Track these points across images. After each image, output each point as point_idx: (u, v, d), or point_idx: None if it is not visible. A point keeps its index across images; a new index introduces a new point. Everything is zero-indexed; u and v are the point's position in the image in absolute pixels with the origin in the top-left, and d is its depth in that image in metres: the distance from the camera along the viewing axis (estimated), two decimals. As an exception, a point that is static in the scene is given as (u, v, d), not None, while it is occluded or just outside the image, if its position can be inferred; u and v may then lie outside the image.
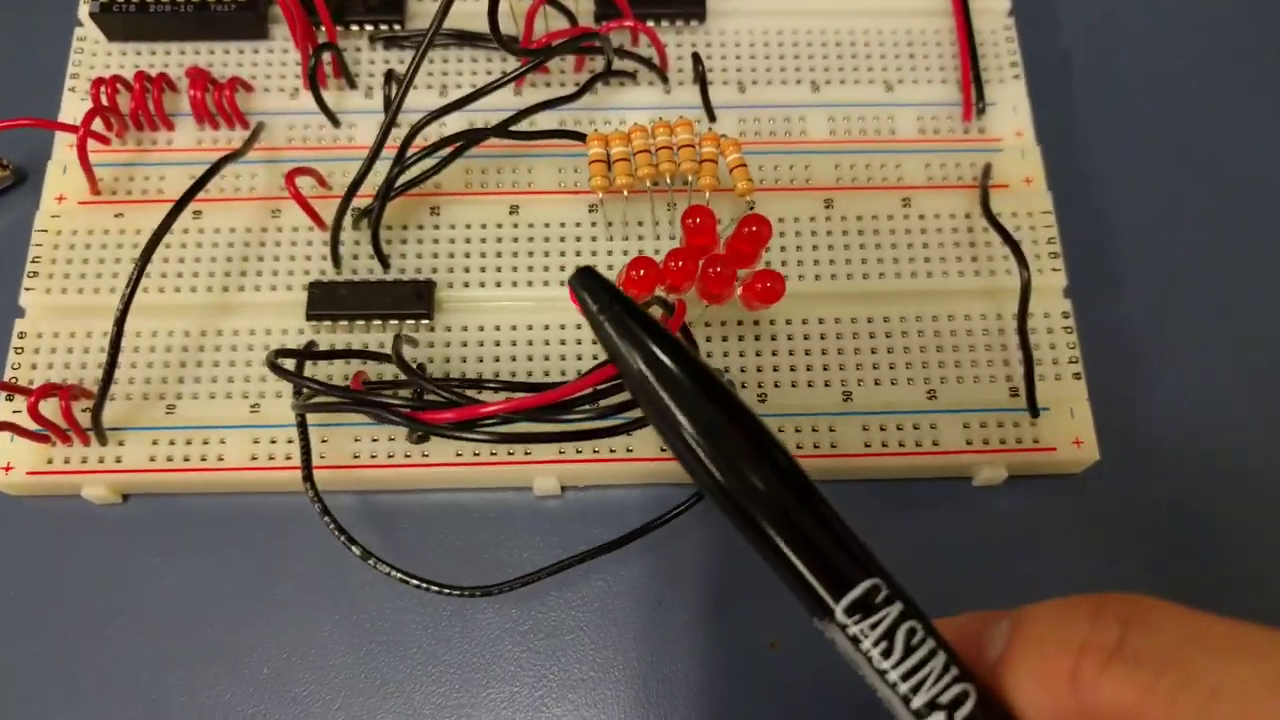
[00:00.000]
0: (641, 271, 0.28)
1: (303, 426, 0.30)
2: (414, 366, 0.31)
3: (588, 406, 0.25)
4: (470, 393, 0.29)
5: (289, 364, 0.30)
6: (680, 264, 0.28)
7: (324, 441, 0.31)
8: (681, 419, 0.19)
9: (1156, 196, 0.36)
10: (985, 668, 0.17)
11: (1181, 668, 0.15)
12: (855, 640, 0.17)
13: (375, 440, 0.31)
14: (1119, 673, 0.15)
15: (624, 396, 0.25)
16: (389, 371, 0.32)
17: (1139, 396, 0.33)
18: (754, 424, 0.19)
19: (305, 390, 0.29)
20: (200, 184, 0.31)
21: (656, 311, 0.27)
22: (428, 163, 0.32)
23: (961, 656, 0.17)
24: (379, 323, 0.32)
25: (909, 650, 0.17)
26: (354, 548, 0.28)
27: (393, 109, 0.30)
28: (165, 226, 0.30)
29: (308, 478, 0.29)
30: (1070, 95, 0.38)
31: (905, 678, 0.17)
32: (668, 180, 0.31)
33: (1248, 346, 0.34)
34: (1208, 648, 0.15)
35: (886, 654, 0.17)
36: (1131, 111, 0.38)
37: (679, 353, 0.20)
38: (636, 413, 0.26)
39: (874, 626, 0.17)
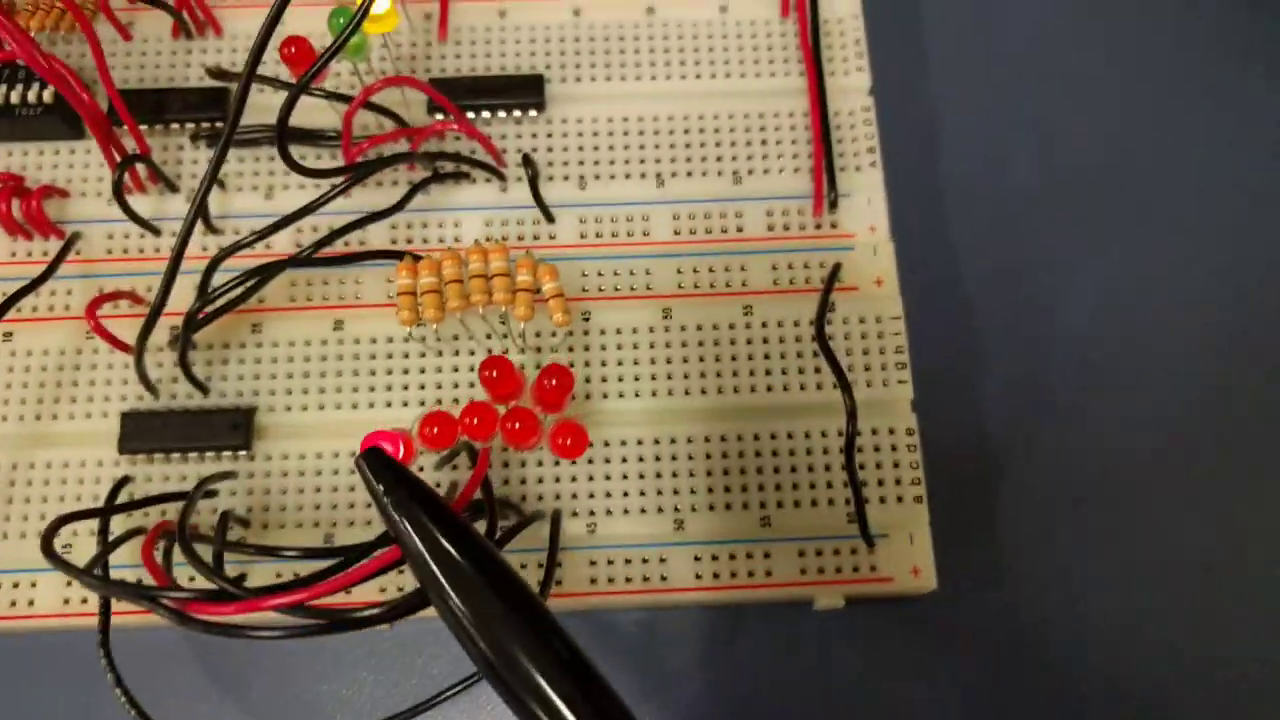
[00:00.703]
0: (436, 429, 0.27)
1: (104, 601, 0.29)
2: (214, 535, 0.29)
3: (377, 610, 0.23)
4: (269, 579, 0.28)
5: (64, 548, 0.29)
6: (477, 420, 0.27)
7: (133, 587, 0.30)
8: (463, 610, 0.20)
9: (1015, 295, 0.35)
10: None
11: None
12: None
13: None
14: None
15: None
16: (209, 505, 0.30)
17: (985, 517, 0.32)
18: (537, 612, 0.21)
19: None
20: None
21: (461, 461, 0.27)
22: (237, 285, 0.31)
23: None
24: (196, 455, 0.31)
25: None
26: (145, 722, 0.27)
27: (188, 218, 0.28)
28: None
29: (103, 644, 0.28)
30: (931, 184, 0.36)
31: None
32: (480, 312, 0.29)
33: (1102, 459, 0.33)
34: None
35: None
36: (988, 200, 0.36)
37: (465, 541, 0.21)
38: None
39: None
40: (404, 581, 0.30)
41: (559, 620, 0.21)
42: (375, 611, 0.24)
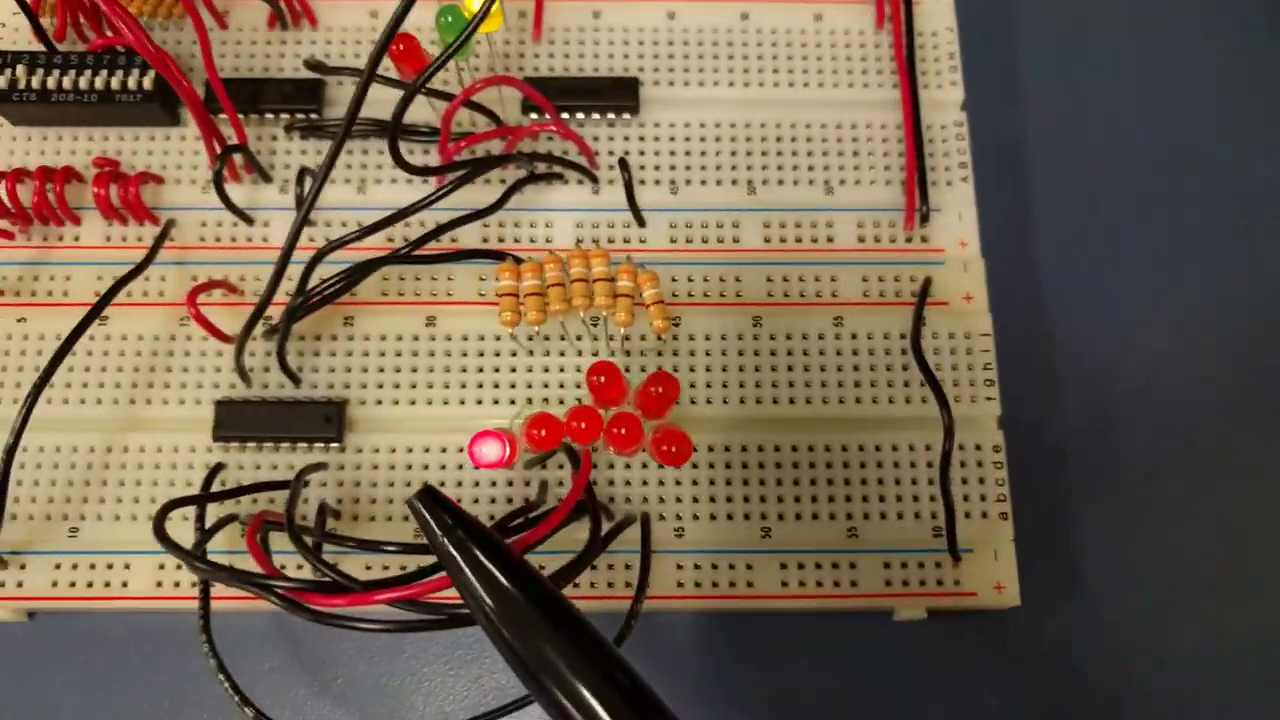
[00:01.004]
0: (543, 431, 0.27)
1: (203, 584, 0.29)
2: (313, 525, 0.30)
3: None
4: (358, 570, 0.28)
5: (187, 530, 0.29)
6: (584, 424, 0.27)
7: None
8: (522, 653, 0.20)
9: (1099, 315, 0.35)
10: None
11: None
12: None
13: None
14: None
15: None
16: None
17: (1067, 534, 0.33)
18: (595, 642, 0.20)
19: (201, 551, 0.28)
20: (99, 308, 0.30)
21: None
22: (340, 280, 0.31)
23: None
24: (288, 445, 0.32)
25: None
26: (247, 709, 0.28)
27: (299, 218, 0.28)
28: (64, 350, 0.29)
29: (205, 629, 0.29)
30: (1022, 201, 0.36)
31: None
32: (581, 315, 0.29)
33: (1193, 478, 0.33)
34: None
35: None
36: (1083, 218, 0.36)
37: (526, 582, 0.20)
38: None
39: None
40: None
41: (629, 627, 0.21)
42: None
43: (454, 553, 0.21)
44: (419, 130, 0.34)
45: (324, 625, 0.25)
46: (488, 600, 0.20)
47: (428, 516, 0.21)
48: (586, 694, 0.19)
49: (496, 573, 0.20)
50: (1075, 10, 0.39)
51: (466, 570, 0.20)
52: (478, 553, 0.20)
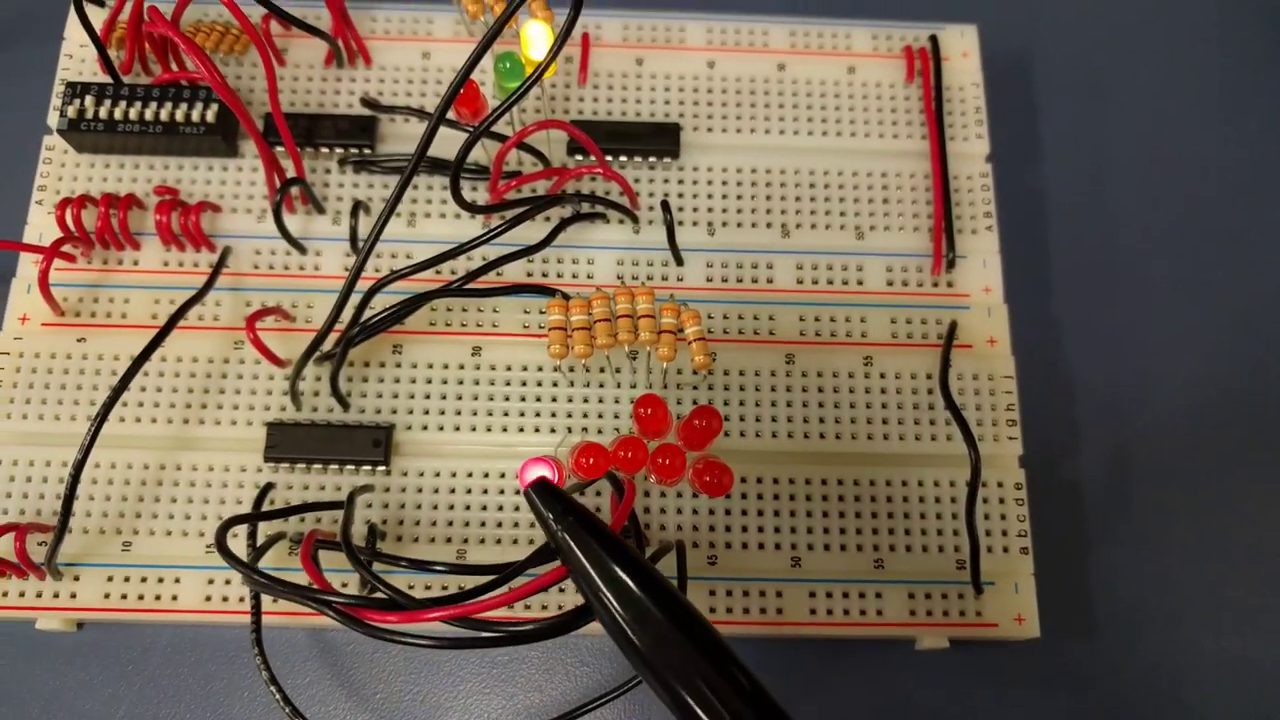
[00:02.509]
0: (591, 460, 0.28)
1: (256, 598, 0.30)
2: (365, 540, 0.31)
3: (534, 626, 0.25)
4: (414, 583, 0.29)
5: (241, 541, 0.30)
6: (630, 454, 0.28)
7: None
8: (637, 640, 0.21)
9: (1117, 360, 0.36)
10: None
11: None
12: None
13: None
14: None
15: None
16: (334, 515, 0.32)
17: (1088, 569, 0.34)
18: (715, 640, 0.22)
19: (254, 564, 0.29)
20: (164, 333, 0.31)
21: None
22: (394, 310, 0.32)
23: None
24: (335, 467, 0.33)
25: None
26: (297, 720, 0.29)
27: (358, 261, 0.30)
28: (127, 379, 0.30)
29: (257, 642, 0.30)
30: (1044, 249, 0.38)
31: None
32: (626, 350, 0.31)
33: (1207, 518, 0.35)
34: None
35: None
36: (1102, 266, 0.38)
37: (638, 571, 0.22)
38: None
39: None
40: (547, 599, 0.31)
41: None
42: (534, 628, 0.25)
43: (567, 537, 0.22)
44: (468, 168, 0.35)
45: (378, 640, 0.26)
46: (600, 584, 0.22)
47: (540, 504, 0.23)
48: (710, 693, 0.21)
49: (612, 562, 0.22)
50: (1095, 67, 0.41)
51: (578, 553, 0.22)
52: (593, 542, 0.22)
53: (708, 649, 0.22)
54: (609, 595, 0.22)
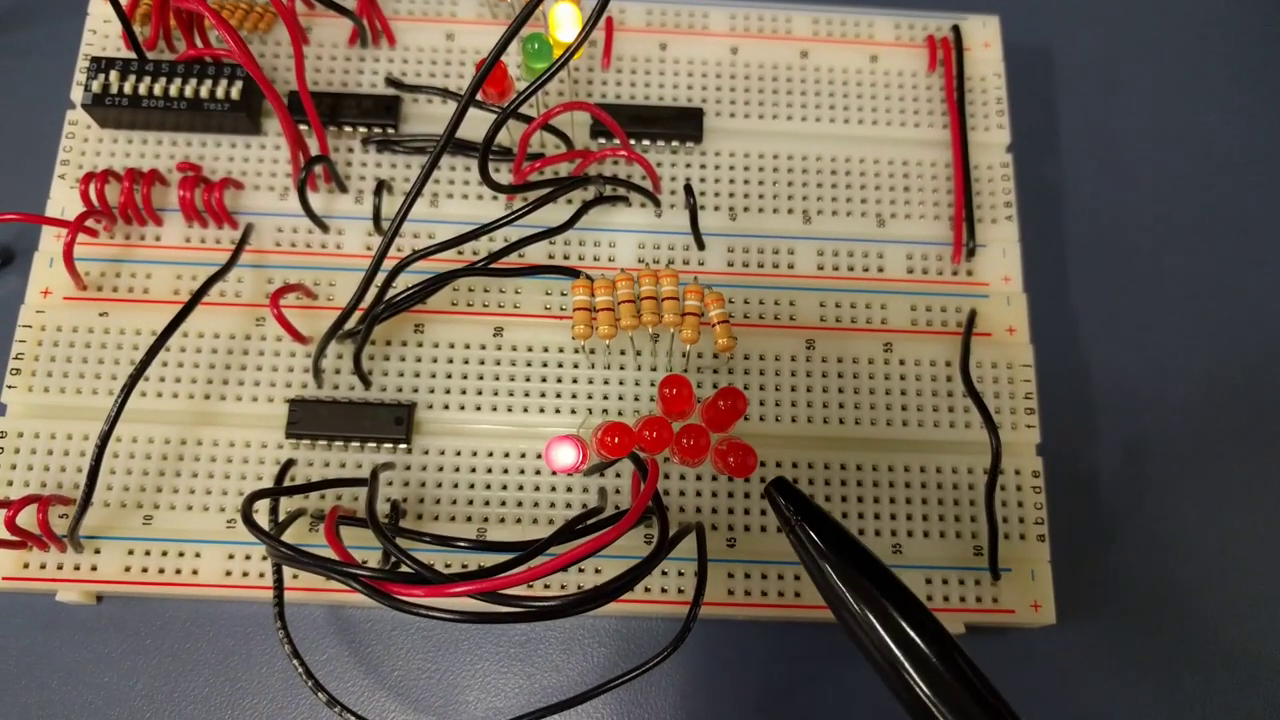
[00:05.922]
0: (616, 439, 0.28)
1: (278, 572, 0.30)
2: (388, 516, 0.31)
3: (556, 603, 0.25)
4: (433, 560, 0.29)
5: (262, 516, 0.30)
6: (655, 434, 0.28)
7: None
8: (882, 634, 0.25)
9: (1134, 350, 0.37)
10: None
11: None
12: None
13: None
14: None
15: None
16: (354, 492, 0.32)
17: (1104, 556, 0.34)
18: (940, 630, 0.26)
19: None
20: (189, 308, 0.31)
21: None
22: (419, 289, 0.32)
23: None
24: (357, 444, 0.33)
25: None
26: (320, 695, 0.29)
27: (385, 239, 0.30)
28: (152, 353, 0.30)
29: (279, 615, 0.30)
30: (1062, 239, 0.38)
31: None
32: (650, 331, 0.31)
33: (1225, 507, 0.35)
34: None
35: None
36: (1119, 257, 0.38)
37: (868, 564, 0.26)
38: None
39: None
40: (566, 579, 0.31)
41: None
42: (559, 603, 0.25)
43: (798, 534, 0.27)
44: (491, 149, 0.35)
45: (403, 614, 0.26)
46: (831, 571, 0.26)
47: (781, 501, 0.27)
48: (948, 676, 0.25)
49: (839, 551, 0.26)
50: (1115, 59, 0.41)
51: (807, 546, 0.26)
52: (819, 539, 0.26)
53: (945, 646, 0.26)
54: (842, 589, 0.26)
